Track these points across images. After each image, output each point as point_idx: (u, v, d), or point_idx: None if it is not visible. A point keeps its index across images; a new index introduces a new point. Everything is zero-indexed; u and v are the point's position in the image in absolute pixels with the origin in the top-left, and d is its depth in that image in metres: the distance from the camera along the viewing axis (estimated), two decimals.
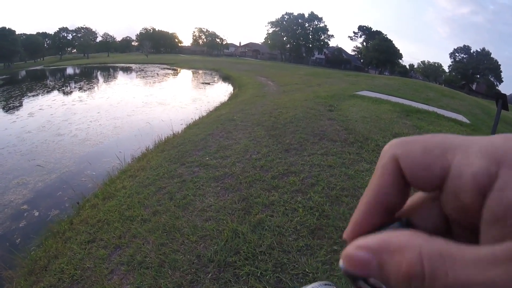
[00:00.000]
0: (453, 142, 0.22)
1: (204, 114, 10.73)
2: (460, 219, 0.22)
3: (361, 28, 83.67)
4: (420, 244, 0.20)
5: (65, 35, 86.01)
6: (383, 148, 0.25)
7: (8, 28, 62.76)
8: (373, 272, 0.22)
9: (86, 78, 31.19)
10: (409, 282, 0.19)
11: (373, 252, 0.22)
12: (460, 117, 9.77)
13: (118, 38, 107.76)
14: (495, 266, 0.17)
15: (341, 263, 0.29)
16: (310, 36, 79.19)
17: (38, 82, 27.27)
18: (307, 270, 2.52)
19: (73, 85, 24.68)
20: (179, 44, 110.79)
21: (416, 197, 0.26)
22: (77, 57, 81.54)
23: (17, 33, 66.74)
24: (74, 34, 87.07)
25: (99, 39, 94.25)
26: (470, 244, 0.19)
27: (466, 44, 79.74)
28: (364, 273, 0.22)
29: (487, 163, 0.19)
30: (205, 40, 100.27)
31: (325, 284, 0.56)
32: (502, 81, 70.03)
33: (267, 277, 2.46)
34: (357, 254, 0.22)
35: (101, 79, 30.62)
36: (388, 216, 0.25)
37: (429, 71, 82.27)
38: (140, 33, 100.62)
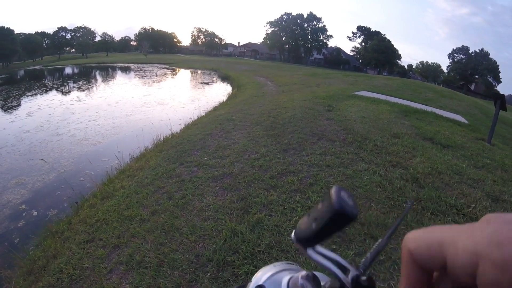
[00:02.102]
0: (447, 236, 0.28)
1: (203, 114, 10.73)
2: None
3: (360, 28, 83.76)
4: None
5: (64, 34, 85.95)
6: (403, 240, 0.33)
7: (7, 28, 62.71)
8: None
9: (84, 77, 31.17)
10: None
11: None
12: (458, 118, 9.80)
13: (117, 37, 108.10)
14: None
15: (293, 234, 0.41)
16: (309, 36, 79.21)
17: (36, 82, 27.21)
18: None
19: (71, 84, 24.67)
20: (178, 44, 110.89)
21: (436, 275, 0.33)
22: (76, 57, 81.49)
23: (15, 32, 66.66)
24: (73, 33, 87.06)
25: (97, 38, 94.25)
26: None
27: (465, 45, 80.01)
28: None
29: (470, 257, 0.25)
30: (204, 40, 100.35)
31: (288, 263, 0.55)
32: (501, 82, 70.22)
33: None
34: None
35: (99, 79, 30.57)
36: None
37: (428, 71, 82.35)
38: (139, 32, 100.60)
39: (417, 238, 0.31)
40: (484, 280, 0.24)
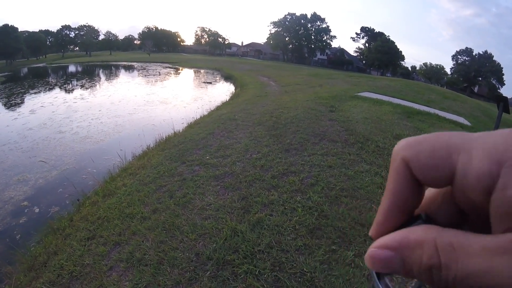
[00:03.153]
0: (456, 142, 0.23)
1: (206, 113, 10.74)
2: (473, 212, 0.24)
3: (363, 29, 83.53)
4: (435, 237, 0.22)
5: (68, 33, 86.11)
6: (394, 149, 0.26)
7: (11, 25, 62.86)
8: (396, 268, 0.23)
9: (88, 76, 31.24)
10: (430, 272, 0.22)
11: (395, 250, 0.24)
12: (461, 120, 9.77)
13: (121, 36, 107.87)
14: (499, 256, 0.19)
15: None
16: (313, 37, 79.06)
17: (40, 80, 27.30)
18: (305, 270, 2.52)
19: (75, 82, 24.74)
20: (182, 43, 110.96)
21: (431, 192, 0.27)
22: (79, 55, 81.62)
23: (19, 30, 66.78)
24: (77, 32, 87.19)
25: (101, 37, 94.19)
26: (478, 234, 0.21)
27: (468, 47, 79.69)
28: (388, 270, 0.24)
29: (488, 164, 0.20)
30: (207, 39, 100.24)
31: None
32: (504, 84, 69.93)
33: (265, 276, 2.47)
34: (380, 253, 0.24)
35: (103, 77, 30.66)
36: (407, 214, 0.26)
37: (431, 73, 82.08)
38: (143, 31, 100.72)
39: (416, 144, 0.25)
40: (505, 196, 0.20)
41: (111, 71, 37.98)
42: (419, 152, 0.24)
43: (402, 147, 0.25)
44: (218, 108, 11.85)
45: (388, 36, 77.43)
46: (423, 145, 0.24)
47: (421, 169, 0.24)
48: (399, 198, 0.25)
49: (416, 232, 0.23)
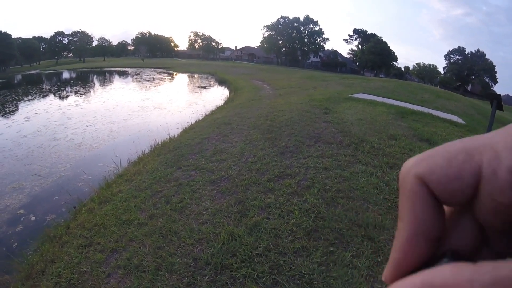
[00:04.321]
0: (474, 144, 0.20)
1: (200, 117, 10.74)
2: (499, 224, 0.20)
3: (356, 31, 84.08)
4: (470, 278, 0.17)
5: (61, 39, 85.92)
6: (402, 171, 0.23)
7: (4, 32, 62.56)
8: None
9: (82, 82, 31.12)
10: None
11: None
12: (455, 118, 9.83)
13: (114, 42, 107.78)
14: None
15: None
16: (306, 40, 79.41)
17: (34, 86, 27.14)
18: (303, 272, 2.54)
19: (69, 89, 24.63)
20: (175, 48, 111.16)
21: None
22: (73, 61, 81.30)
23: (13, 37, 66.47)
24: (70, 38, 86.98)
25: (95, 43, 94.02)
26: None
27: (460, 46, 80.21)
28: None
29: None
30: (201, 44, 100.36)
31: None
32: (497, 82, 70.47)
33: (263, 279, 2.48)
34: None
35: (97, 83, 30.55)
36: (432, 246, 0.22)
37: (424, 73, 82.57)
38: (136, 37, 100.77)
39: (427, 157, 0.22)
40: None
41: (105, 77, 37.86)
42: (434, 164, 0.21)
43: (413, 164, 0.22)
44: (213, 112, 11.85)
45: (381, 37, 78.06)
46: (437, 156, 0.21)
47: (440, 183, 0.20)
48: (421, 225, 0.21)
49: (443, 274, 0.18)
